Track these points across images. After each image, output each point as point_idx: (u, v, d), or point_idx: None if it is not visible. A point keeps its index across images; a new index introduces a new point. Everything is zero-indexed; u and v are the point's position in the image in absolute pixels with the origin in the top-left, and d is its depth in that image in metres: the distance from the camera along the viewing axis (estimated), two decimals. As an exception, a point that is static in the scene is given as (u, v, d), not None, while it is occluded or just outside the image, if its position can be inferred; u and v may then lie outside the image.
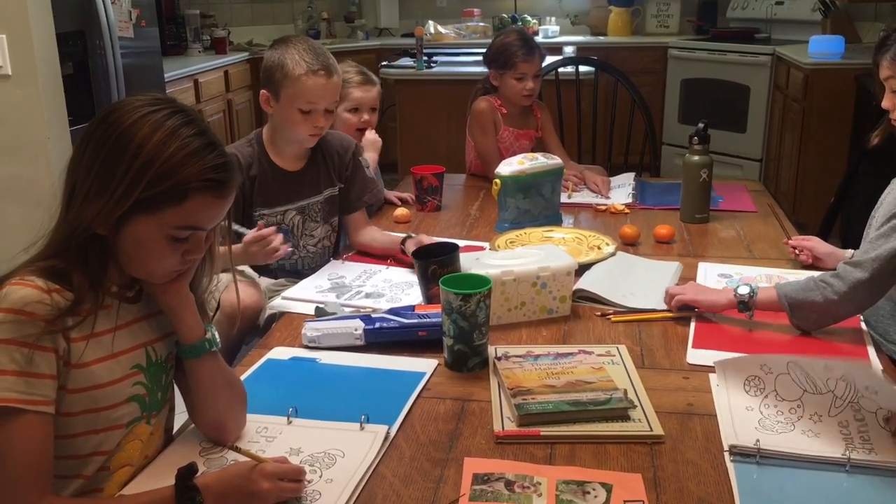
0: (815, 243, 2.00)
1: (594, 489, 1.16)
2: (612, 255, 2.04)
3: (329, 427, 1.32)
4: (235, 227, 2.10)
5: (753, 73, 4.84)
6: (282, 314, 1.82)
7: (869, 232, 1.73)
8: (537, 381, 1.41)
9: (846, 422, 1.27)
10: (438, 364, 1.54)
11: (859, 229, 1.83)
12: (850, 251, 1.93)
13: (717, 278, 1.92)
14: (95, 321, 1.12)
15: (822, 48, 4.49)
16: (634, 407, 1.36)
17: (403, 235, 2.09)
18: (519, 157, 2.29)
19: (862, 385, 1.29)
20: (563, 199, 2.50)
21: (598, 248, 2.10)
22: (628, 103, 3.27)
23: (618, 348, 1.59)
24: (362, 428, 1.31)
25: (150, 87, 3.63)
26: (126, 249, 1.13)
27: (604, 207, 2.52)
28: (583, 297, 1.83)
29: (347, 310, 1.76)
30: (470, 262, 1.76)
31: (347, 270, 2.04)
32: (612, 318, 1.74)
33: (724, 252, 2.15)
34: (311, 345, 1.61)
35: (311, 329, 1.62)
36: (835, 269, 1.62)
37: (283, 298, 1.91)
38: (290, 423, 1.33)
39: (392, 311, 1.65)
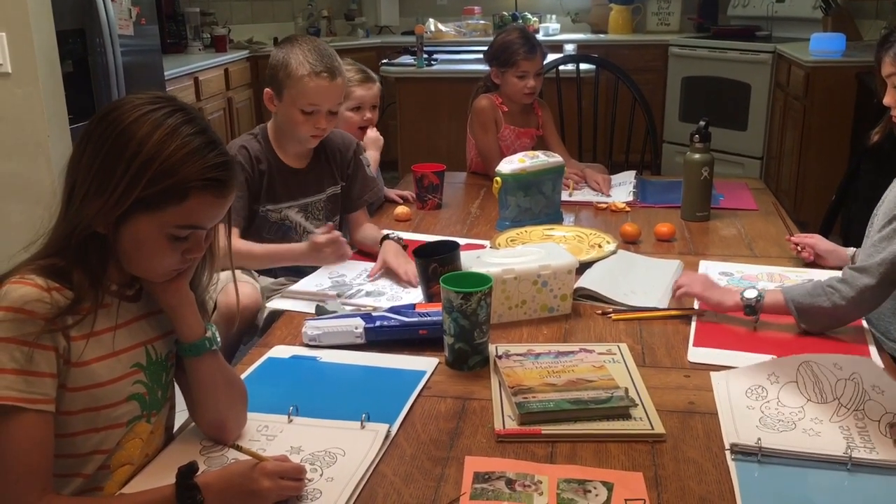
0: (817, 241, 2.01)
1: (595, 488, 1.15)
2: (613, 253, 2.04)
3: (330, 425, 1.32)
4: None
5: (754, 70, 4.83)
6: (282, 313, 1.82)
7: (870, 230, 1.73)
8: (538, 380, 1.41)
9: (847, 427, 1.28)
10: (439, 362, 1.54)
11: (860, 227, 1.83)
12: (851, 249, 1.93)
13: (718, 276, 1.92)
14: (95, 320, 1.12)
15: (823, 46, 4.48)
16: (635, 405, 1.35)
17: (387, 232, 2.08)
18: (520, 156, 2.28)
19: (869, 384, 1.29)
20: (564, 197, 2.49)
21: (599, 246, 2.09)
22: (629, 101, 3.26)
23: (619, 347, 1.59)
24: (363, 426, 1.31)
25: (151, 85, 3.62)
26: (126, 248, 1.13)
27: (604, 205, 2.52)
28: (584, 295, 1.82)
29: (348, 308, 1.76)
30: (471, 261, 1.75)
31: (348, 269, 2.04)
32: (613, 317, 1.74)
33: (725, 250, 2.15)
34: (311, 343, 1.61)
35: (311, 327, 1.62)
36: (839, 270, 1.62)
37: (284, 297, 1.91)
38: (290, 421, 1.33)
39: (393, 310, 1.65)
